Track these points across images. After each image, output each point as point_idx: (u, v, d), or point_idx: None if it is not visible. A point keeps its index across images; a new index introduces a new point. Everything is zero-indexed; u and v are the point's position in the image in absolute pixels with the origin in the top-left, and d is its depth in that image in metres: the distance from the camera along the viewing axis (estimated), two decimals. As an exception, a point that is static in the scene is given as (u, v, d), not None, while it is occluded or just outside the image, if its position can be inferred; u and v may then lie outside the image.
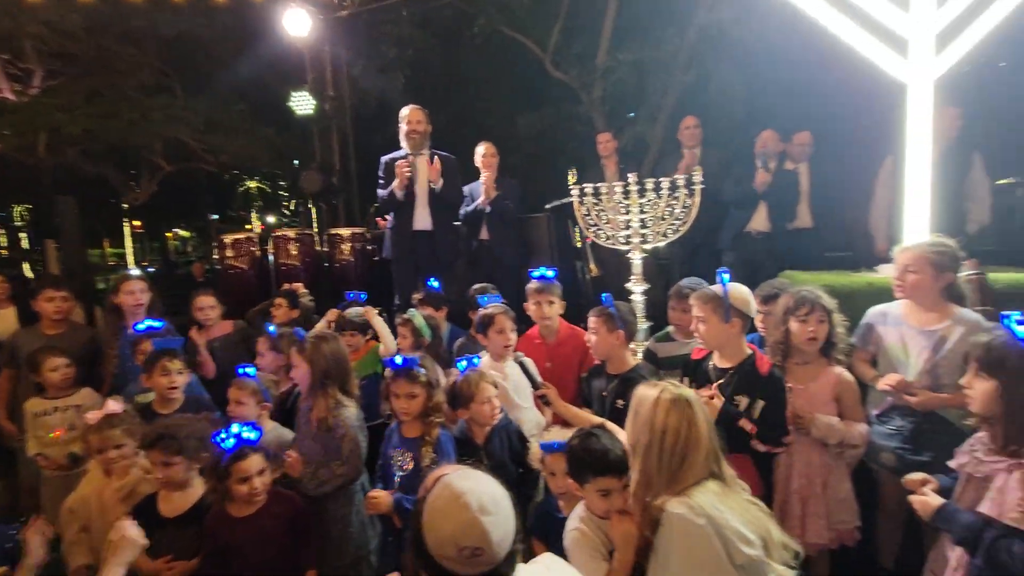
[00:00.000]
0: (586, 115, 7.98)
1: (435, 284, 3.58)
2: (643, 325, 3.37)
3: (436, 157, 4.12)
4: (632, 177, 3.47)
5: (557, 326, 3.11)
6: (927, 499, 1.71)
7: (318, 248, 4.95)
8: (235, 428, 1.96)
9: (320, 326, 3.17)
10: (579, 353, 2.98)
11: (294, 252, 4.74)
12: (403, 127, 4.21)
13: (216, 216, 20.56)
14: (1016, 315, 1.62)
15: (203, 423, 2.21)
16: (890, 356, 2.38)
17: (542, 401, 2.33)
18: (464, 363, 2.28)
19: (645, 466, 1.49)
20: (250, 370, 2.56)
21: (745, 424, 2.07)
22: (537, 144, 9.12)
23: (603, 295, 2.64)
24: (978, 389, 1.65)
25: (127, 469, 2.26)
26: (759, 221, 4.52)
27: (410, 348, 2.94)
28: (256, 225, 22.65)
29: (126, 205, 8.49)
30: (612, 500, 1.61)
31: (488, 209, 4.41)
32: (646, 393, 1.54)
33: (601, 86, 7.37)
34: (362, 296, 3.38)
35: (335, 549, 2.27)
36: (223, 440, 1.93)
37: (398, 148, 4.24)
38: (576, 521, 1.70)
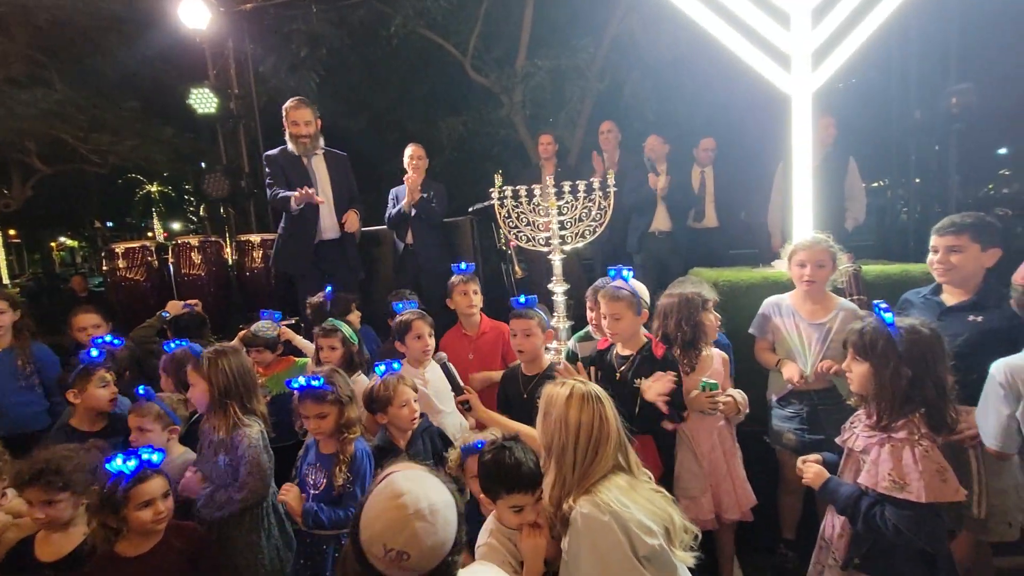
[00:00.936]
0: (508, 119, 8.07)
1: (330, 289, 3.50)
2: (564, 325, 3.46)
3: (352, 216, 3.93)
4: (549, 180, 3.54)
5: (479, 319, 3.19)
6: (813, 473, 1.88)
7: (226, 256, 4.62)
8: (137, 455, 1.76)
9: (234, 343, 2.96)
10: (499, 345, 3.17)
11: (198, 261, 4.39)
12: (288, 127, 3.84)
13: (110, 224, 18.74)
14: (883, 304, 1.81)
15: (92, 452, 1.98)
16: (788, 345, 2.59)
17: (464, 407, 2.31)
18: (383, 367, 2.22)
19: (560, 466, 1.50)
20: (148, 392, 2.33)
21: (661, 405, 2.18)
22: (460, 148, 9.09)
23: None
24: (856, 371, 1.83)
25: (-10, 515, 1.98)
26: (660, 221, 4.78)
27: (341, 359, 2.81)
28: (160, 233, 20.89)
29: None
30: (524, 515, 1.59)
31: (413, 212, 4.32)
32: (556, 392, 1.56)
33: (521, 90, 7.47)
34: (276, 316, 3.20)
35: (245, 580, 2.11)
36: (123, 463, 1.73)
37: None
38: (486, 535, 1.66)
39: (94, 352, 2.54)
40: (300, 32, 6.29)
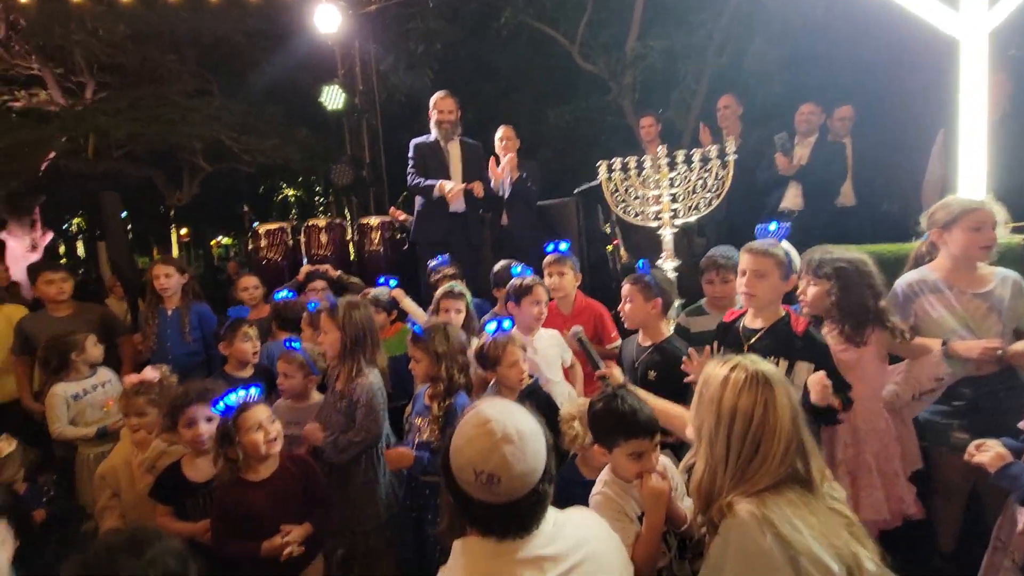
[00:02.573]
0: (615, 105, 7.86)
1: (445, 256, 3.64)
2: (675, 303, 3.26)
3: (478, 185, 4.17)
4: (662, 150, 3.36)
5: (573, 297, 3.10)
6: (993, 455, 1.55)
7: (348, 238, 5.00)
8: (236, 391, 1.96)
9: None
10: (593, 323, 3.04)
11: (324, 241, 4.79)
12: (433, 115, 4.25)
13: (256, 224, 21.26)
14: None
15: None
16: (947, 324, 2.19)
17: (602, 381, 2.14)
18: (493, 325, 2.23)
19: (710, 455, 1.26)
20: (296, 343, 2.57)
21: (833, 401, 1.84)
22: (567, 138, 9.04)
23: (639, 261, 2.53)
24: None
25: (148, 442, 2.29)
26: (790, 199, 4.33)
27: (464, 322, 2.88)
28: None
29: (171, 207, 8.76)
30: (644, 462, 1.52)
31: (508, 192, 4.35)
32: (714, 371, 1.31)
33: (631, 73, 7.24)
34: (391, 282, 3.38)
35: (365, 514, 2.29)
36: (225, 400, 1.93)
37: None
38: (601, 485, 1.62)
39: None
40: (417, 29, 6.63)
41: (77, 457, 2.90)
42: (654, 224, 3.43)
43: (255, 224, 5.04)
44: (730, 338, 2.17)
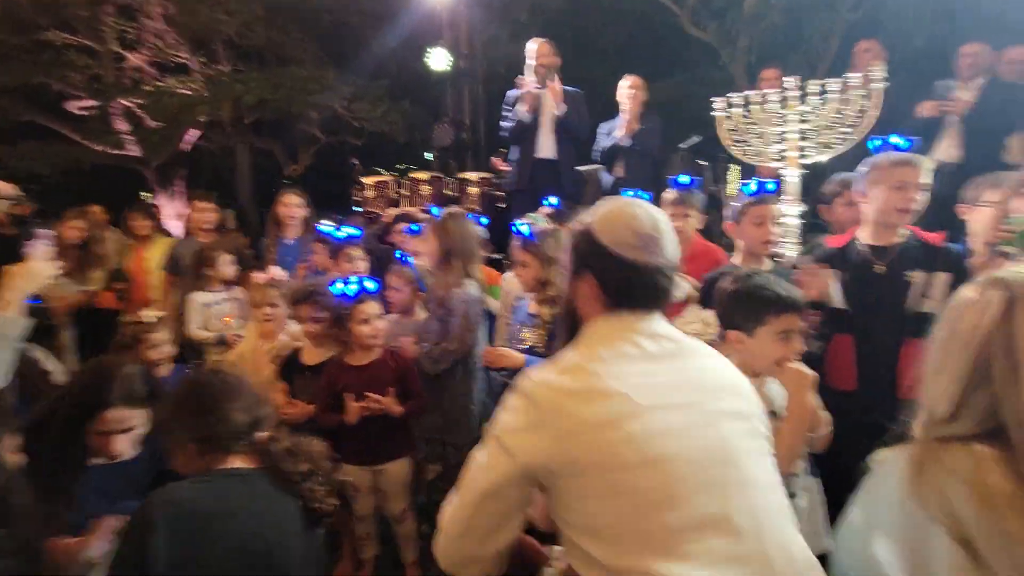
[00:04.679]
0: (725, 79, 7.37)
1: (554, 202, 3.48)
2: (792, 254, 2.94)
3: (557, 78, 4.10)
4: (793, 80, 3.05)
5: (692, 239, 2.84)
6: None
7: (447, 192, 5.09)
8: (358, 281, 2.05)
9: None
10: (711, 270, 2.72)
11: (425, 193, 4.92)
12: (530, 62, 4.20)
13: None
14: None
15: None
16: None
17: None
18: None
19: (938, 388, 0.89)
20: (408, 258, 2.64)
21: None
22: (674, 114, 8.63)
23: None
24: None
25: (276, 333, 2.45)
26: (943, 151, 3.77)
27: None
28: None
29: (287, 177, 9.52)
30: (792, 343, 1.38)
31: (628, 143, 4.19)
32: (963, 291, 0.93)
33: (747, 36, 6.74)
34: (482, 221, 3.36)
35: (456, 425, 2.29)
36: (345, 287, 2.00)
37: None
38: None
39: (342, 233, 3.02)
40: (522, -2, 6.62)
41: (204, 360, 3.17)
42: (776, 164, 3.13)
43: (362, 176, 5.25)
44: (851, 262, 1.96)
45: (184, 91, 7.97)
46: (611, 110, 4.37)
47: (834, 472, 1.45)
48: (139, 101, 8.34)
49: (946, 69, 3.96)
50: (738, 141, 3.22)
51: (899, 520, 0.84)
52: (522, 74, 4.24)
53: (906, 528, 0.83)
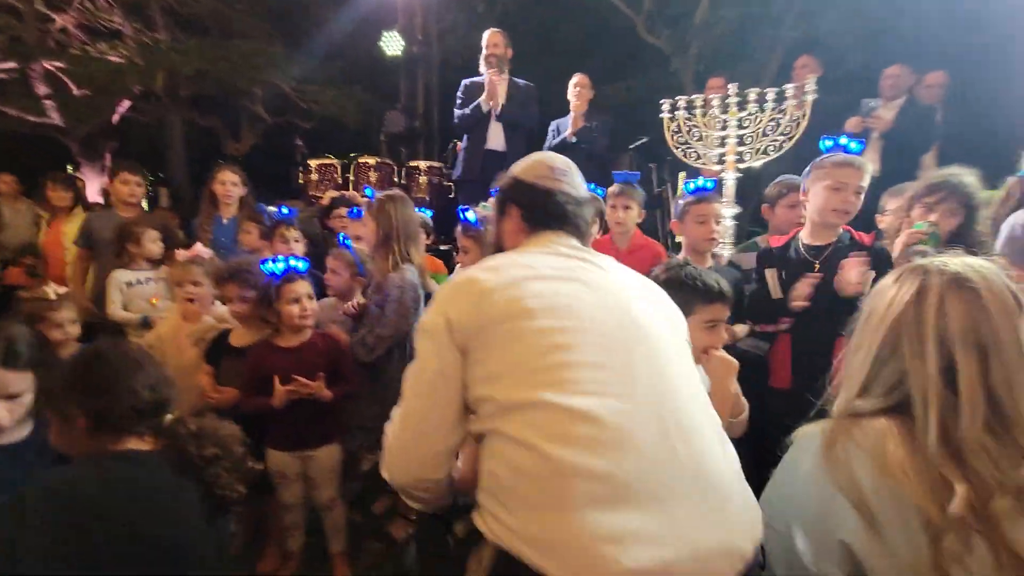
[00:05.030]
0: (675, 85, 7.60)
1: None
2: (729, 252, 3.07)
3: (505, 70, 4.11)
4: (732, 88, 3.17)
5: (632, 233, 2.91)
6: None
7: (396, 180, 4.98)
8: (285, 260, 1.98)
9: None
10: (648, 265, 2.79)
11: (373, 179, 4.79)
12: (485, 51, 4.17)
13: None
14: None
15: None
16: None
17: None
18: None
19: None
20: (348, 241, 2.55)
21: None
22: (623, 115, 8.80)
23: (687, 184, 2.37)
24: None
25: (200, 313, 2.32)
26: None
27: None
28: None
29: (228, 155, 9.04)
30: (718, 333, 1.42)
31: (574, 141, 4.23)
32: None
33: (697, 44, 6.96)
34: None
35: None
36: (274, 265, 1.94)
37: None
38: None
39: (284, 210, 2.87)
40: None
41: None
42: (716, 168, 3.25)
43: (307, 158, 5.06)
44: (788, 262, 2.05)
45: (115, 58, 7.43)
46: (565, 108, 4.41)
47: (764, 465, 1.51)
48: (62, 65, 7.70)
49: (874, 89, 4.24)
50: (681, 143, 3.32)
51: (810, 492, 0.88)
52: (478, 64, 4.21)
53: (816, 500, 0.87)
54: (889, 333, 0.88)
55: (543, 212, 1.19)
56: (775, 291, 1.99)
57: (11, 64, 7.66)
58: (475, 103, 4.12)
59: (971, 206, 1.95)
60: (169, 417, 1.17)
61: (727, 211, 3.17)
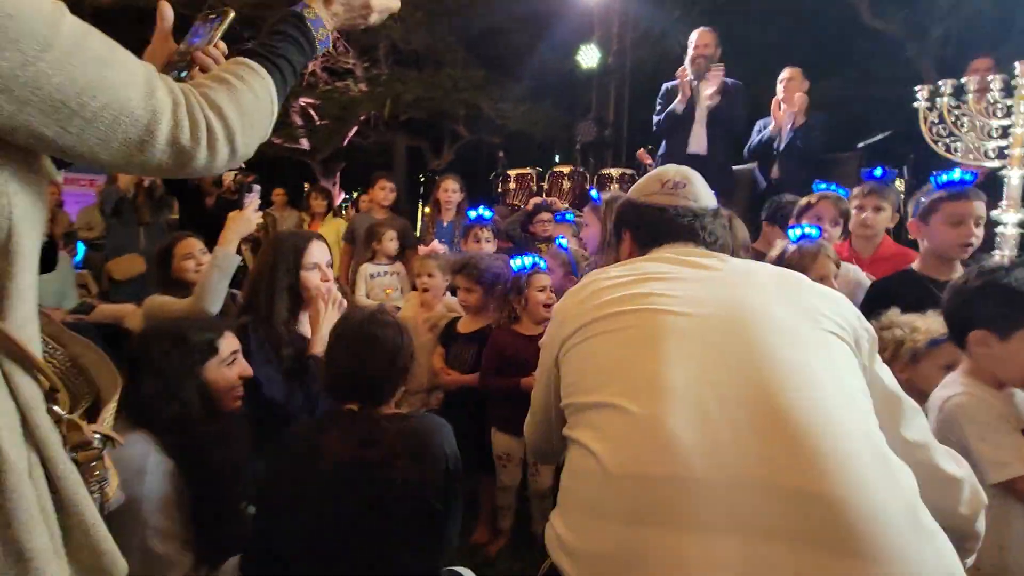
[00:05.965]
0: (905, 76, 6.49)
1: None
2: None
3: (717, 68, 3.86)
4: (1020, 67, 2.59)
5: (880, 240, 2.52)
6: None
7: (588, 186, 5.08)
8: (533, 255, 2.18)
9: None
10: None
11: (566, 188, 4.96)
12: (690, 52, 4.02)
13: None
14: None
15: (500, 262, 2.41)
16: None
17: None
18: (798, 231, 1.96)
19: None
20: (563, 242, 2.70)
21: None
22: (836, 114, 7.78)
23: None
24: None
25: (435, 303, 2.62)
26: None
27: None
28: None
29: (433, 170, 10.28)
30: None
31: (784, 141, 3.86)
32: None
33: (942, 26, 5.89)
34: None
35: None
36: (522, 262, 2.14)
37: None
38: (957, 387, 1.26)
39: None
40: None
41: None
42: (994, 164, 2.68)
43: (506, 169, 5.44)
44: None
45: (352, 92, 8.94)
46: (763, 110, 4.06)
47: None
48: (311, 101, 9.47)
49: None
50: (944, 136, 2.81)
51: None
52: (675, 68, 4.09)
53: None
54: None
55: (655, 230, 1.13)
56: None
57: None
58: (670, 107, 3.99)
59: None
60: None
61: (1010, 216, 2.59)
